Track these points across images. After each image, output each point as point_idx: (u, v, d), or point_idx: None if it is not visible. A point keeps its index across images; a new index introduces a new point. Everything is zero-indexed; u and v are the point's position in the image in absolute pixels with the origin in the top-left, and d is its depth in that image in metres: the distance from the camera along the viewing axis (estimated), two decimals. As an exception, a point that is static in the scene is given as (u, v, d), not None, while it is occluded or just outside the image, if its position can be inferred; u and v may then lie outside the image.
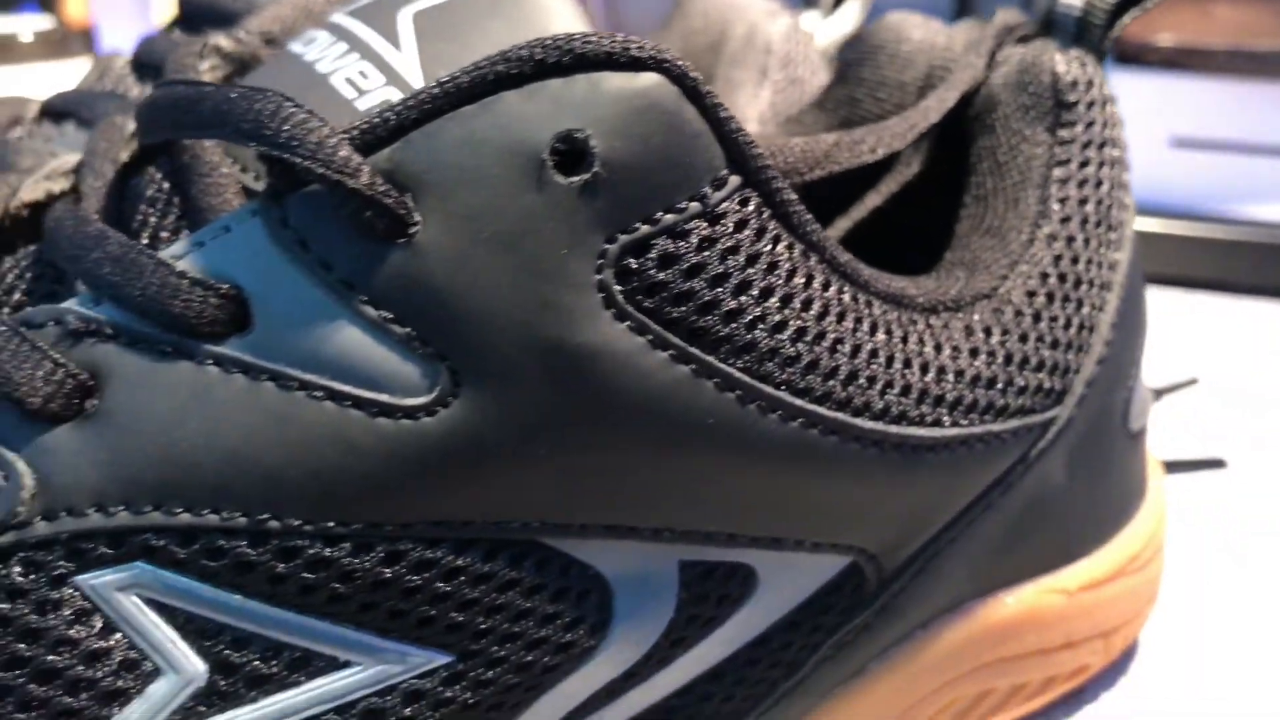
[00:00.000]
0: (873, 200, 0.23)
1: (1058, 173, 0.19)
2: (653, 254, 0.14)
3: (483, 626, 0.14)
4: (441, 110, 0.13)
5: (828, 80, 0.24)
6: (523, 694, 0.15)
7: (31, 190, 0.19)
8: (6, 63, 0.57)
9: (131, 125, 0.18)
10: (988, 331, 0.17)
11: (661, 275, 0.14)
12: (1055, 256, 0.19)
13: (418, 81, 0.16)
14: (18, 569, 0.13)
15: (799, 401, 0.15)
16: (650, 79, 0.13)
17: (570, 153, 0.13)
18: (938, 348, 0.17)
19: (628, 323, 0.14)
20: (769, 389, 0.15)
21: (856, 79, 0.23)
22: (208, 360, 0.13)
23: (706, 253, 0.14)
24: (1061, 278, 0.19)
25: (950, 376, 0.17)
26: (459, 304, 0.13)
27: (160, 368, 0.13)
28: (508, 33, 0.17)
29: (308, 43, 0.18)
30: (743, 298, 0.14)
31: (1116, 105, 0.20)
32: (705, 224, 0.14)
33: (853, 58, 0.23)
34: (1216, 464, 0.32)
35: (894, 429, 0.16)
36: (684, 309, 0.14)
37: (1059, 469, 0.19)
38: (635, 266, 0.14)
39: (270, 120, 0.13)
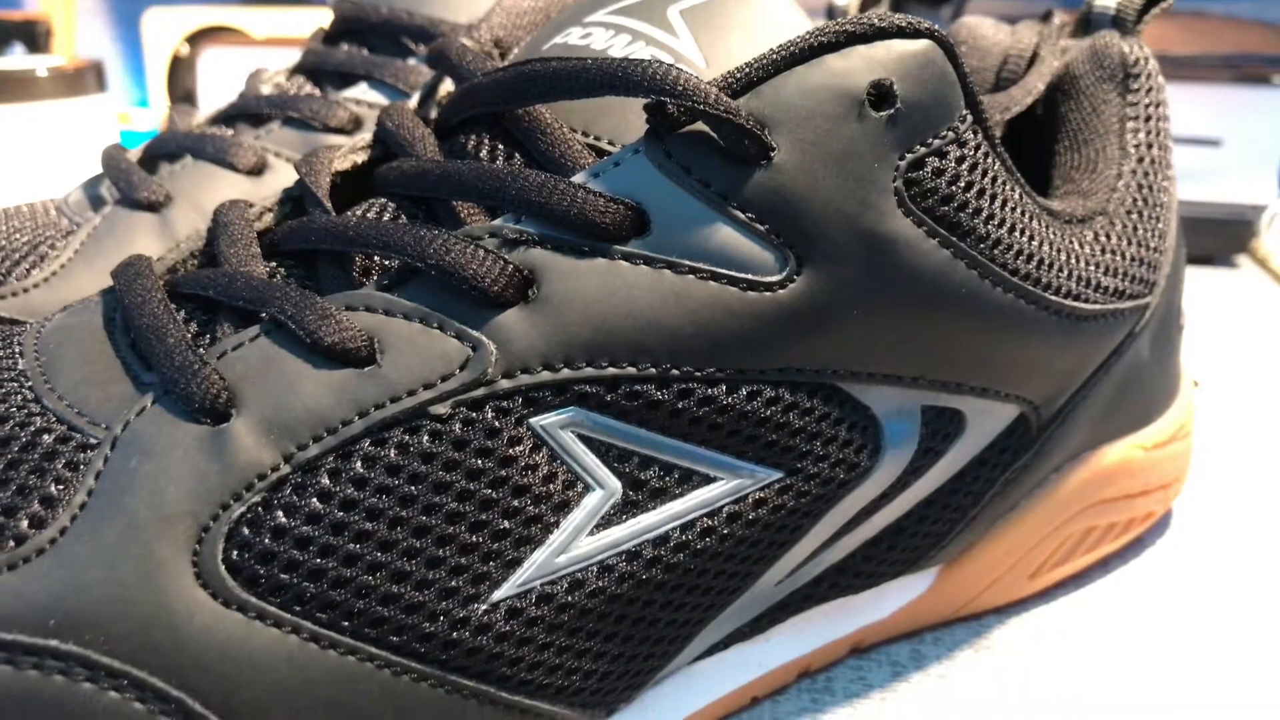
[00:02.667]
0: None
1: (1130, 125, 0.26)
2: (926, 168, 0.19)
3: (804, 449, 0.20)
4: (780, 69, 0.19)
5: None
6: (823, 505, 0.20)
7: (341, 162, 0.23)
8: (25, 100, 0.59)
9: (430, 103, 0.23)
10: (1107, 237, 0.24)
11: (930, 183, 0.19)
12: (1138, 185, 0.25)
13: (700, 62, 0.22)
14: (490, 414, 0.18)
15: (1014, 278, 0.20)
16: (925, 44, 0.19)
17: (880, 94, 0.19)
18: (1080, 246, 0.23)
19: (911, 218, 0.19)
20: (996, 268, 0.20)
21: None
22: (618, 256, 0.18)
23: (957, 168, 0.19)
24: (1145, 200, 0.25)
25: (1090, 268, 0.23)
26: (804, 206, 0.18)
27: (582, 264, 0.18)
28: (754, 24, 0.22)
29: (584, 36, 0.23)
30: (980, 201, 0.20)
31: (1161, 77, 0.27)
32: (956, 147, 0.19)
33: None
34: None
35: (1065, 302, 0.22)
36: (945, 208, 0.19)
37: (1146, 345, 0.26)
38: (915, 177, 0.19)
39: (664, 78, 0.18)
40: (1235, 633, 0.25)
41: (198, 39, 0.72)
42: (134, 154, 0.31)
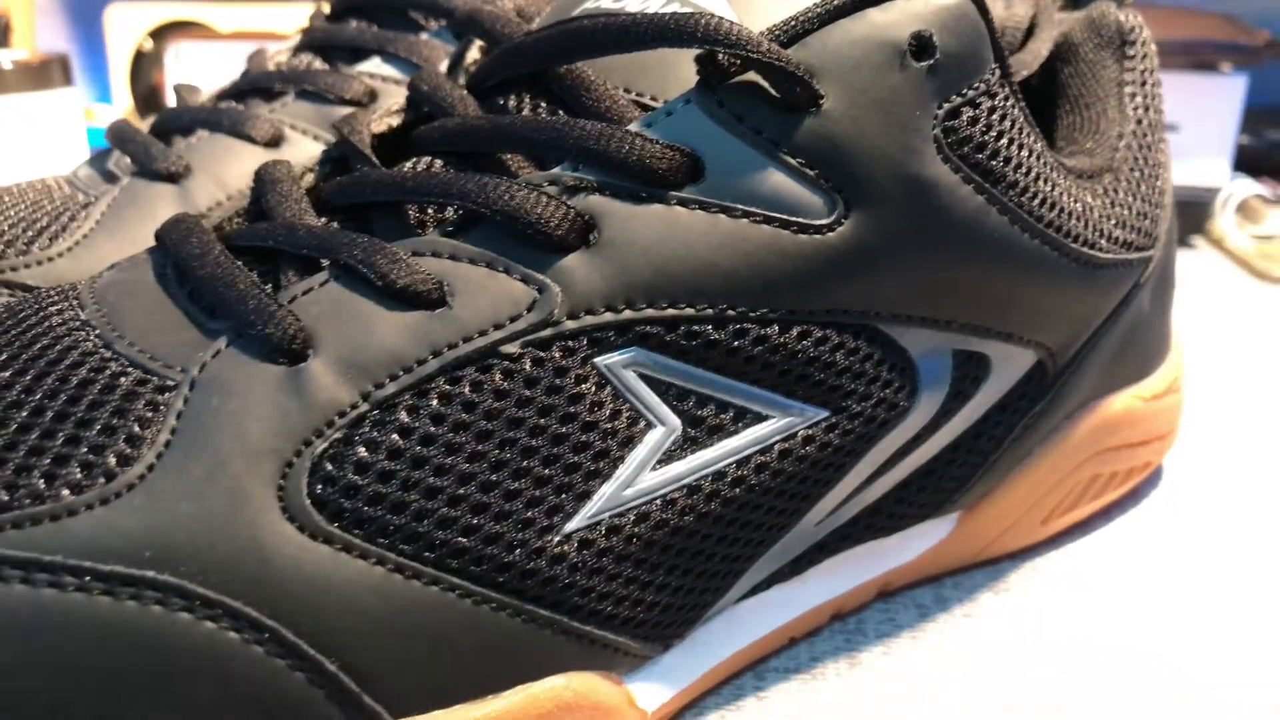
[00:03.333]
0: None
1: (1128, 90, 0.27)
2: (962, 117, 0.20)
3: (849, 388, 0.20)
4: (825, 22, 0.19)
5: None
6: (864, 444, 0.21)
7: (378, 125, 0.24)
8: (-7, 93, 0.58)
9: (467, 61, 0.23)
10: (1115, 192, 0.25)
11: (966, 131, 0.20)
12: (1138, 145, 0.26)
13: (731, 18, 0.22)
14: (557, 353, 0.18)
15: (1039, 225, 0.22)
16: (959, -1, 0.20)
17: (920, 45, 0.19)
18: (1093, 199, 0.24)
19: (949, 164, 0.20)
20: (1024, 215, 0.21)
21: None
22: (674, 202, 0.19)
23: (989, 117, 0.20)
24: (1144, 159, 0.26)
25: (1103, 219, 0.24)
26: (851, 151, 0.19)
27: (640, 209, 0.19)
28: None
29: (615, 2, 0.23)
30: (1009, 149, 0.21)
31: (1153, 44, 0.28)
32: (987, 98, 0.20)
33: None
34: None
35: (1084, 250, 0.23)
36: (979, 155, 0.20)
37: (1148, 298, 0.27)
38: (952, 125, 0.20)
39: (719, 29, 0.19)
40: (1228, 576, 0.27)
41: (162, 34, 0.71)
42: (143, 129, 0.31)
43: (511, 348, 0.18)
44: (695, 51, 0.20)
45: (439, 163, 0.21)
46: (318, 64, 0.32)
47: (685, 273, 0.19)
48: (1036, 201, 0.22)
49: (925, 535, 0.25)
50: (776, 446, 0.20)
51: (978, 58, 0.20)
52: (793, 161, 0.19)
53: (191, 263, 0.19)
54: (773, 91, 0.19)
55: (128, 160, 0.30)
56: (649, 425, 0.19)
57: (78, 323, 0.19)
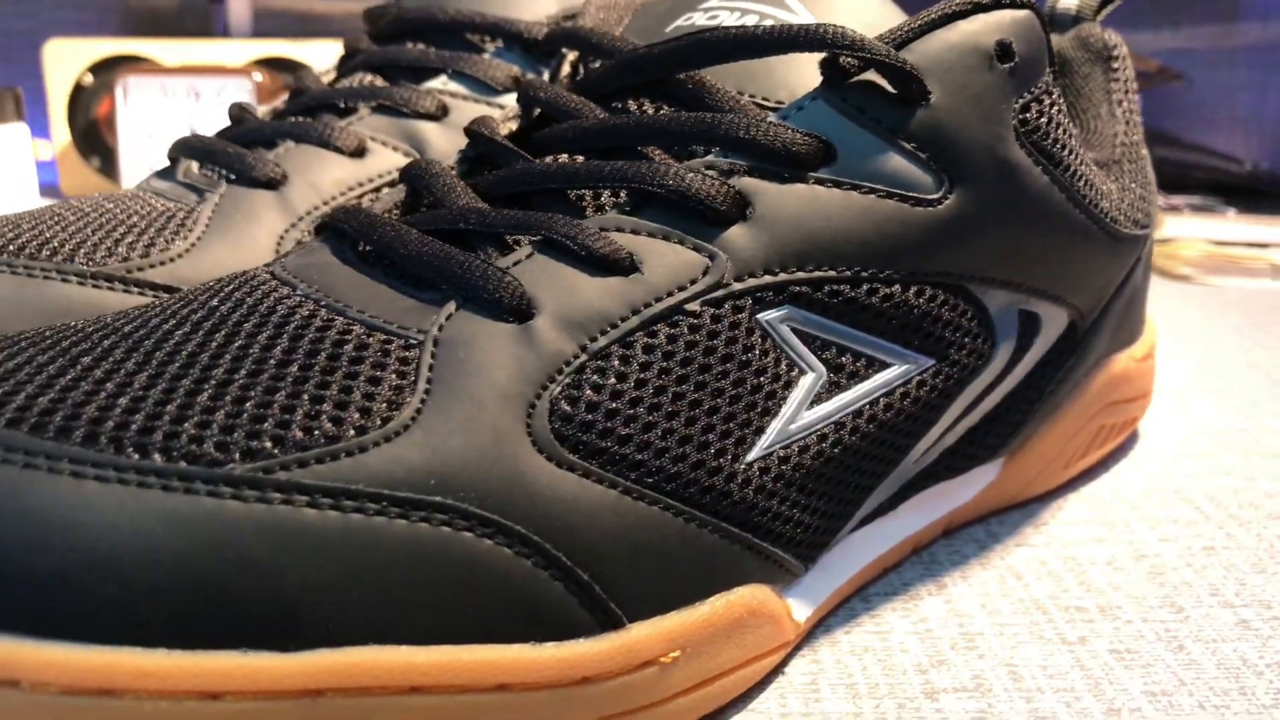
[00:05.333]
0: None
1: (1115, 96, 0.32)
2: (1031, 111, 0.24)
3: (950, 339, 0.24)
4: (924, 32, 0.23)
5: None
6: (957, 389, 0.25)
7: (503, 128, 0.27)
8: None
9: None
10: (1120, 179, 0.29)
11: (1034, 122, 0.24)
12: (1129, 142, 0.31)
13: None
14: (729, 310, 0.22)
15: (1084, 202, 0.26)
16: (1028, 12, 0.24)
17: (1003, 51, 0.23)
18: (1110, 184, 0.28)
19: (1024, 149, 0.24)
20: (1075, 193, 0.25)
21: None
22: (812, 181, 0.22)
23: (1049, 111, 0.25)
24: (1135, 154, 0.31)
25: (1119, 200, 0.28)
26: (954, 137, 0.23)
27: (786, 188, 0.22)
28: (853, 7, 0.27)
29: (711, 16, 0.27)
30: (1064, 138, 0.25)
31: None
32: (1047, 95, 0.25)
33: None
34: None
35: (1112, 225, 0.27)
36: (1045, 143, 0.24)
37: (1141, 271, 0.32)
38: (1025, 117, 0.24)
39: (844, 36, 0.22)
40: (1210, 508, 0.32)
41: (103, 69, 0.71)
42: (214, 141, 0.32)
43: (694, 306, 0.21)
44: (792, 57, 0.23)
45: (580, 158, 0.24)
46: (380, 82, 0.34)
47: (827, 240, 0.22)
48: (1081, 183, 0.26)
49: (979, 479, 0.29)
50: (898, 389, 0.24)
51: (1040, 62, 0.25)
52: (907, 146, 0.23)
53: (394, 243, 0.22)
54: (889, 88, 0.23)
55: (195, 169, 0.32)
56: (801, 371, 0.22)
57: (300, 296, 0.21)
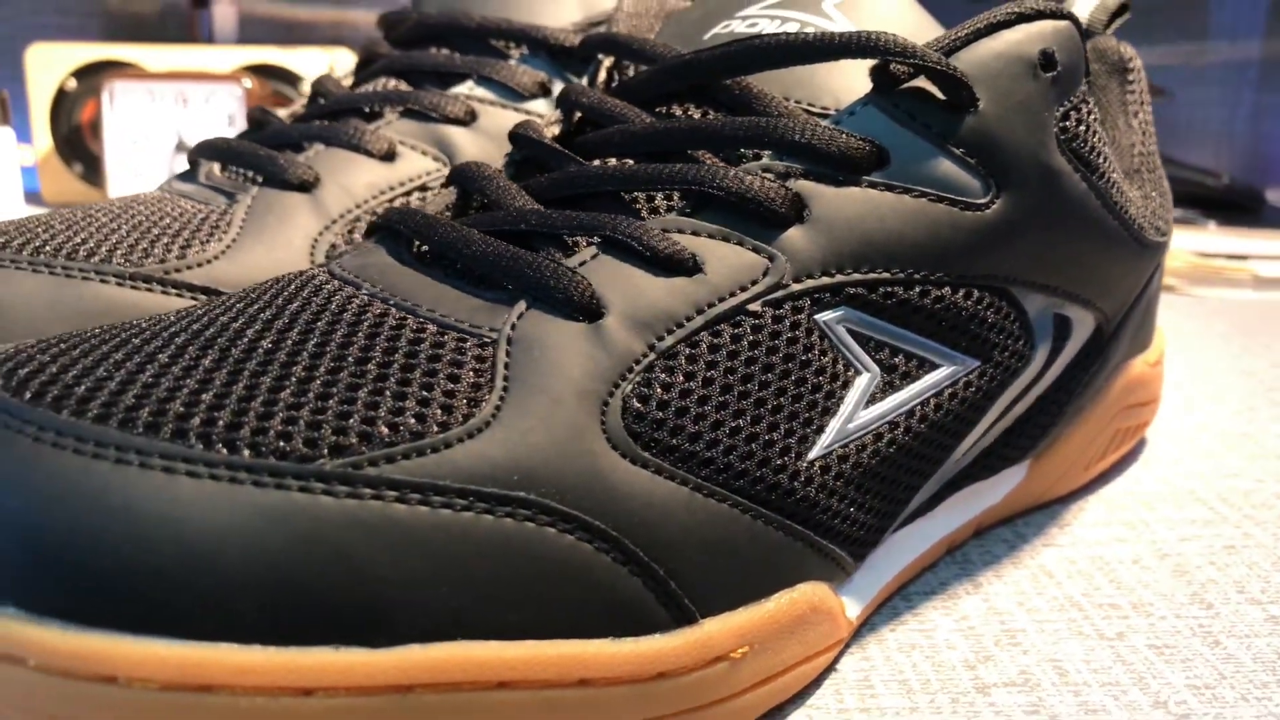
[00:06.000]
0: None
1: (1131, 107, 0.33)
2: (1071, 119, 0.25)
3: (994, 341, 0.25)
4: (969, 42, 0.24)
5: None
6: (999, 389, 0.25)
7: (550, 130, 0.27)
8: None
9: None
10: (1143, 188, 0.30)
11: (1074, 130, 0.25)
12: (1146, 152, 0.32)
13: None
14: (788, 310, 0.22)
15: (1116, 209, 0.26)
16: (1068, 23, 0.25)
17: (1046, 60, 0.24)
18: (1134, 192, 0.29)
19: (1065, 156, 0.25)
20: (1109, 200, 0.26)
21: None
22: (866, 184, 0.23)
23: (1087, 119, 0.25)
24: (1152, 164, 0.32)
25: (1144, 207, 0.29)
26: (1001, 143, 0.24)
27: (841, 190, 0.23)
28: (887, 16, 0.27)
29: (750, 25, 0.27)
30: (1099, 146, 0.26)
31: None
32: (1084, 105, 0.25)
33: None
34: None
35: (1139, 232, 0.28)
36: (1082, 150, 0.25)
37: (1156, 279, 0.32)
38: (1065, 125, 0.25)
39: (896, 44, 0.23)
40: (1222, 509, 0.32)
41: (87, 73, 0.70)
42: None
43: (755, 306, 0.22)
44: (835, 63, 0.24)
45: (629, 162, 0.24)
46: (404, 87, 0.34)
47: (881, 242, 0.23)
48: (1114, 190, 0.27)
49: (1008, 480, 0.30)
50: (946, 390, 0.24)
51: (1080, 71, 0.25)
52: (957, 152, 0.23)
53: (457, 244, 0.22)
54: (939, 95, 0.23)
55: (217, 170, 0.32)
56: (857, 371, 0.23)
57: (368, 296, 0.21)
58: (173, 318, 0.21)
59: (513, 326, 0.20)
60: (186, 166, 0.33)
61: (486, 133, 0.33)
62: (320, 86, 0.36)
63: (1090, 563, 0.29)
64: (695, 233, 0.22)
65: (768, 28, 0.27)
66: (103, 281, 0.27)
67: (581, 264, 0.21)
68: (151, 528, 0.16)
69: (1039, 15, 0.24)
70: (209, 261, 0.28)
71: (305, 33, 0.80)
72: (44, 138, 0.71)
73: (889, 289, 0.23)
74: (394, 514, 0.17)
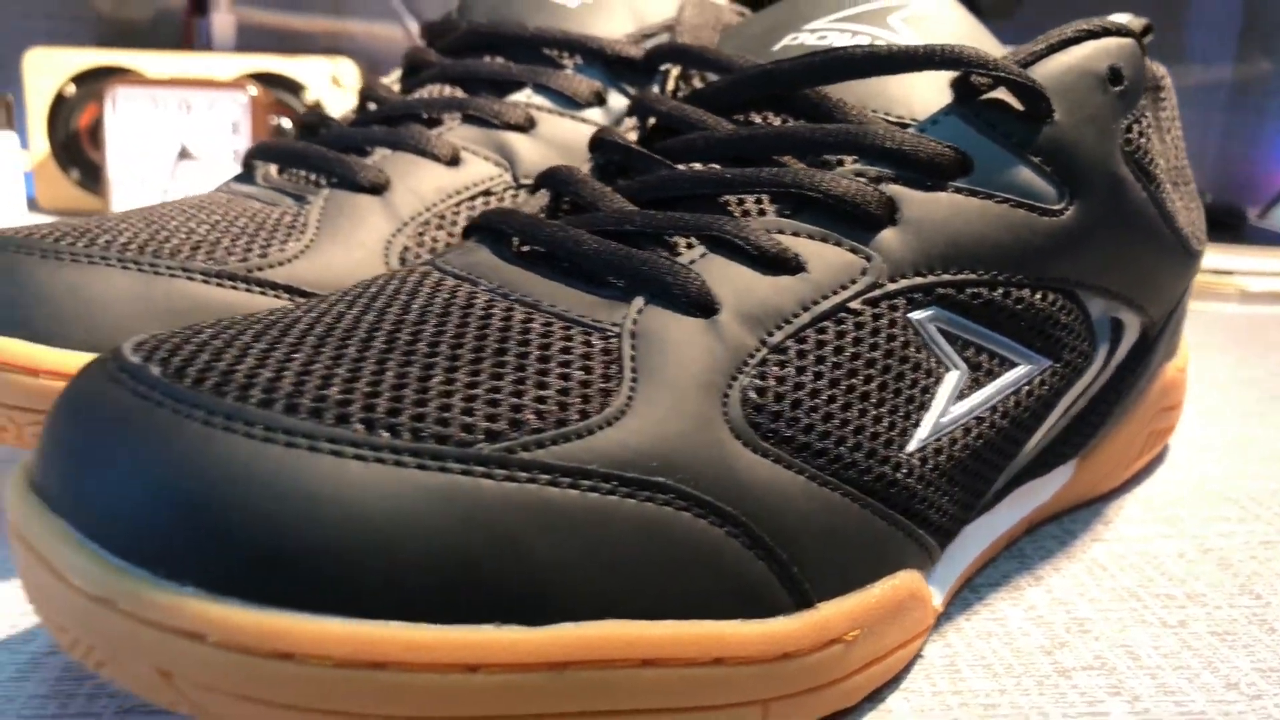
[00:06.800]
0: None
1: (1164, 124, 0.34)
2: (1134, 131, 0.26)
3: (1064, 341, 0.26)
4: (1043, 56, 0.25)
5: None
6: (1066, 387, 0.27)
7: (626, 136, 0.28)
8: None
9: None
10: (1182, 200, 0.32)
11: (1136, 142, 0.26)
12: (1179, 167, 0.33)
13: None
14: (885, 309, 0.23)
15: (1170, 217, 0.28)
16: (1132, 40, 0.26)
17: (1114, 75, 0.25)
18: (1179, 203, 0.30)
19: (1128, 166, 0.26)
20: (1164, 208, 0.27)
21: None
22: (951, 189, 0.24)
23: (1146, 131, 0.27)
24: (1185, 178, 0.33)
25: (1186, 219, 0.30)
26: (1075, 152, 0.25)
27: (930, 195, 0.24)
28: (951, 30, 0.28)
29: (820, 38, 0.28)
30: (1156, 158, 0.27)
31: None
32: (1145, 117, 0.27)
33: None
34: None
35: (1185, 241, 0.29)
36: (1143, 160, 0.26)
37: (1190, 289, 0.34)
38: (1129, 136, 0.26)
39: (979, 57, 0.24)
40: (1260, 511, 0.34)
41: (86, 79, 0.70)
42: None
43: (856, 304, 0.22)
44: (907, 75, 0.25)
45: (715, 167, 0.25)
46: (460, 94, 0.35)
47: (968, 245, 0.24)
48: (1167, 200, 0.28)
49: (1058, 478, 0.31)
50: (1024, 388, 0.25)
51: (1141, 85, 0.27)
52: (1034, 160, 0.25)
53: (566, 243, 0.22)
54: (1017, 105, 0.25)
55: (274, 172, 0.32)
56: (947, 368, 0.24)
57: (490, 293, 0.22)
58: (299, 311, 0.21)
59: (634, 321, 0.21)
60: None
61: (545, 139, 0.33)
62: (371, 92, 0.36)
63: (1139, 557, 0.30)
64: (795, 233, 0.23)
65: (838, 40, 0.28)
66: (189, 279, 0.27)
67: (691, 262, 0.22)
68: (326, 509, 0.16)
69: (1106, 32, 0.26)
70: (289, 261, 0.28)
71: (301, 42, 0.80)
72: (40, 143, 0.70)
73: (975, 289, 0.24)
74: (549, 496, 0.18)
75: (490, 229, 0.24)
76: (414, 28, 0.81)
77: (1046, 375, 0.26)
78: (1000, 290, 0.24)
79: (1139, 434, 0.33)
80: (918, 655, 0.24)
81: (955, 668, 0.24)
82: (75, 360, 0.25)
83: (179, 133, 0.67)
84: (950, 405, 0.24)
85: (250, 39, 0.77)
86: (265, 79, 0.70)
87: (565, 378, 0.19)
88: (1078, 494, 0.32)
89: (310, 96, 0.71)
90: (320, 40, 0.80)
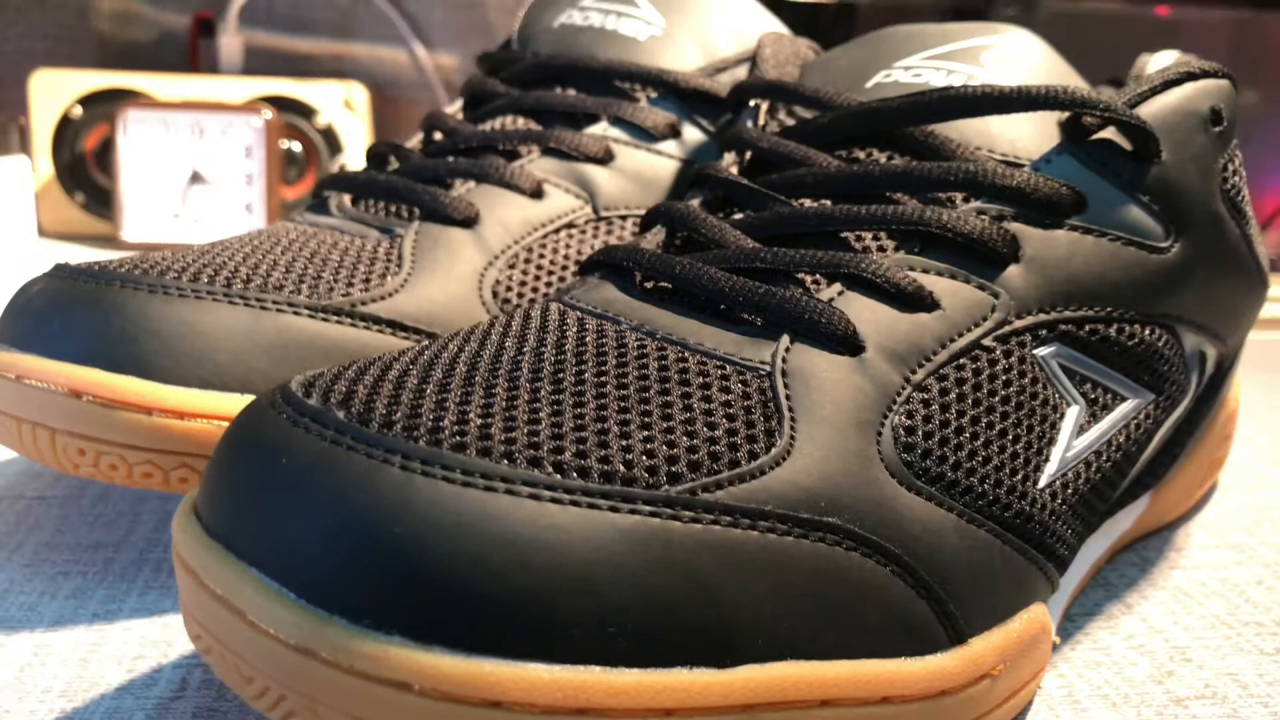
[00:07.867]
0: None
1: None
2: (1229, 170, 0.27)
3: (1168, 375, 0.26)
4: (1146, 99, 0.26)
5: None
6: (1165, 418, 0.27)
7: (729, 171, 0.28)
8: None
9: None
10: (1256, 229, 0.32)
11: (1231, 180, 0.27)
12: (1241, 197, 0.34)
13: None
14: (1014, 346, 0.23)
15: (1254, 251, 0.29)
16: (1228, 82, 0.27)
17: (1215, 116, 0.26)
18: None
19: (1225, 204, 0.27)
20: (1251, 244, 0.28)
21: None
22: (1068, 227, 0.24)
23: (1239, 169, 0.27)
24: (1245, 210, 0.34)
25: (1263, 250, 0.31)
26: (1179, 190, 0.25)
27: (1048, 233, 0.24)
28: (1035, 67, 0.29)
29: (915, 76, 0.29)
30: (1244, 194, 0.28)
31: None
32: (1237, 156, 0.27)
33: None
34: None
35: (1265, 274, 0.30)
36: (1236, 199, 0.27)
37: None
38: (1225, 175, 0.27)
39: (1090, 98, 0.25)
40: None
41: (91, 101, 0.69)
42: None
43: (988, 341, 0.23)
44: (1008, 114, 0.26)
45: (827, 202, 0.26)
46: (534, 126, 0.35)
47: (1086, 282, 0.24)
48: (1253, 234, 0.29)
49: (1138, 507, 0.31)
50: (1132, 421, 0.26)
51: (1234, 127, 0.27)
52: (1143, 199, 0.25)
53: (699, 280, 0.23)
54: (1126, 145, 0.25)
55: (348, 202, 0.32)
56: (1069, 404, 0.24)
57: (631, 331, 0.22)
58: (446, 350, 0.21)
59: (783, 359, 0.21)
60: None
61: (623, 171, 0.34)
62: (439, 122, 0.36)
63: (1220, 584, 0.31)
64: (925, 270, 0.23)
65: (934, 79, 0.28)
66: (295, 314, 0.27)
67: (831, 300, 0.22)
68: (534, 554, 0.16)
69: (1205, 74, 0.26)
70: (390, 295, 0.28)
71: (307, 65, 0.79)
72: (45, 166, 0.69)
73: (1093, 326, 0.24)
74: (733, 538, 0.18)
75: (613, 265, 0.24)
76: (420, 51, 0.81)
77: (1150, 408, 0.26)
78: (1115, 326, 0.25)
79: (1205, 463, 0.34)
80: (1038, 687, 0.25)
81: (1075, 699, 0.24)
82: (190, 399, 0.25)
83: (191, 156, 0.66)
84: (1073, 440, 0.24)
85: (255, 61, 0.76)
86: (276, 102, 0.70)
87: (730, 418, 0.20)
88: (1150, 523, 0.33)
89: (322, 120, 0.71)
90: (326, 63, 0.79)
